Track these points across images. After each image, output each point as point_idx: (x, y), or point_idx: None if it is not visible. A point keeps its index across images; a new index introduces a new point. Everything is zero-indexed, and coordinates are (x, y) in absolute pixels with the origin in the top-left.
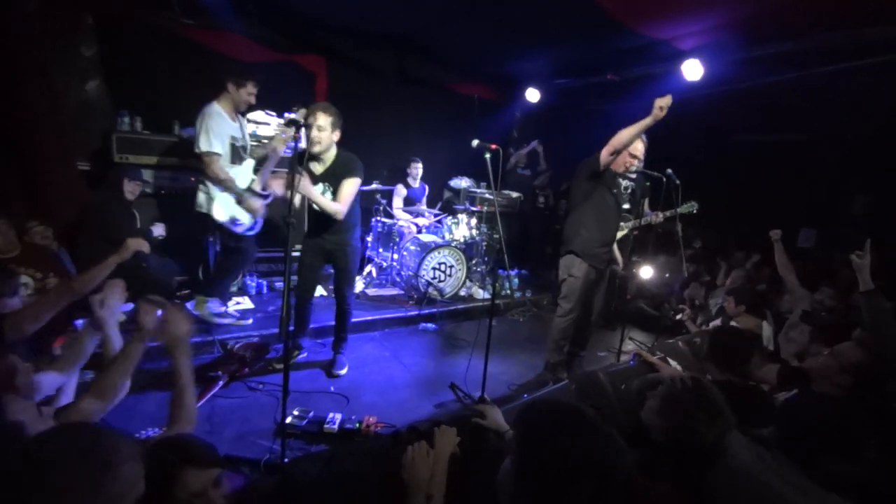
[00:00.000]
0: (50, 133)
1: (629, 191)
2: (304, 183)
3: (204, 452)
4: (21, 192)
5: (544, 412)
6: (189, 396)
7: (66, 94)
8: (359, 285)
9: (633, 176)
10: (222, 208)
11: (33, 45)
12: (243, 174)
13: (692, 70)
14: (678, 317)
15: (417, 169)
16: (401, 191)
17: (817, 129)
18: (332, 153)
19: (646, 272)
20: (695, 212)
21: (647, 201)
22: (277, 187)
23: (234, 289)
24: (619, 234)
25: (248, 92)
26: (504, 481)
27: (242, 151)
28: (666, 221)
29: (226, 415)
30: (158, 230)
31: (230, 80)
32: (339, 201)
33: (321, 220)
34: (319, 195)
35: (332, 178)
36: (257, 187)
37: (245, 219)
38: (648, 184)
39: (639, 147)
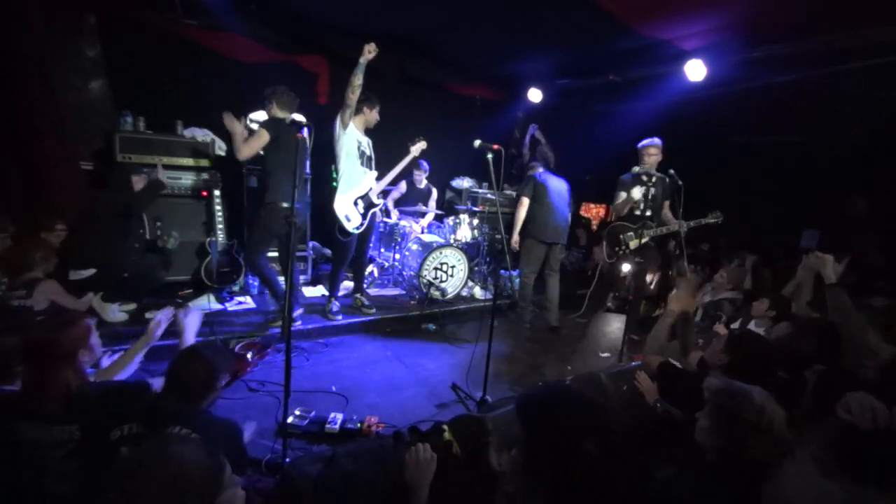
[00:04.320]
0: (52, 133)
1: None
2: (229, 119)
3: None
4: (24, 192)
5: (537, 394)
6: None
7: (68, 94)
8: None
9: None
10: (341, 204)
11: (35, 45)
12: (367, 180)
13: (695, 70)
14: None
15: (421, 175)
16: (401, 187)
17: (819, 130)
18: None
19: (625, 268)
20: (720, 222)
21: (668, 204)
22: None
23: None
24: (641, 241)
25: (376, 114)
26: (514, 468)
27: (368, 160)
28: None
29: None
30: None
31: (365, 105)
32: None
33: None
34: (238, 131)
35: None
36: (373, 196)
37: (355, 218)
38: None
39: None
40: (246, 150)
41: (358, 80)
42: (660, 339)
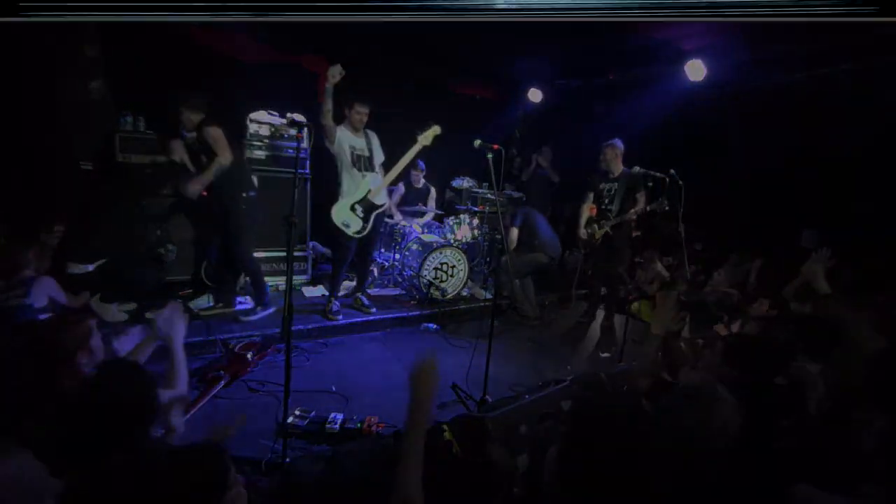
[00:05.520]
0: (52, 133)
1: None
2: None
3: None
4: (23, 192)
5: (599, 405)
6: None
7: (68, 95)
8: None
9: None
10: (338, 212)
11: (35, 45)
12: (363, 184)
13: (695, 71)
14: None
15: (419, 175)
16: (401, 188)
17: (819, 131)
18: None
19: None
20: (667, 208)
21: (643, 196)
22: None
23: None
24: (602, 231)
25: (357, 111)
26: (555, 468)
27: (365, 161)
28: (667, 222)
29: (227, 415)
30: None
31: (343, 108)
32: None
33: None
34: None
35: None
36: (376, 197)
37: (354, 224)
38: (651, 184)
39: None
40: (227, 152)
41: (327, 105)
42: (646, 361)
